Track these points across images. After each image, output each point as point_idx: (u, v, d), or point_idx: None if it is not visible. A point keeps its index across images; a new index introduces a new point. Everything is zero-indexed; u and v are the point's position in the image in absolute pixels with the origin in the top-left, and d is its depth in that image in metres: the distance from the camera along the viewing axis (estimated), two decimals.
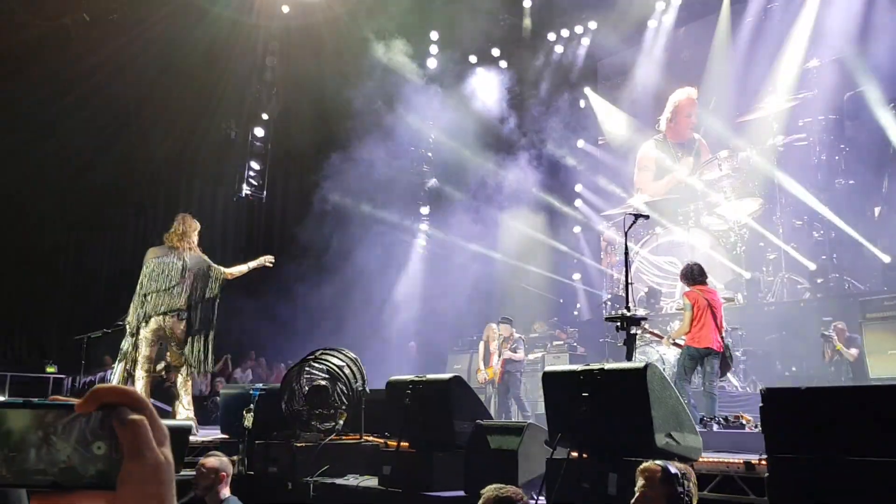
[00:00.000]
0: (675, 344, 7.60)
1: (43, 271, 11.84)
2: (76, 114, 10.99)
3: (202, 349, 6.93)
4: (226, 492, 4.53)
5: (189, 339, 6.87)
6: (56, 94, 10.76)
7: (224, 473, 4.46)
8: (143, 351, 6.78)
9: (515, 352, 9.75)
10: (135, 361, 6.83)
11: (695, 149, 13.68)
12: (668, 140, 14.17)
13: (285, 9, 13.03)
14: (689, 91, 13.77)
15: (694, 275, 7.16)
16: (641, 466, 2.84)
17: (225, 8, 12.00)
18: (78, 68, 10.82)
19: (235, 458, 4.71)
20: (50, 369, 10.29)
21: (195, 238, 7.21)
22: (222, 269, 7.28)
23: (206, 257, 7.24)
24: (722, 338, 6.95)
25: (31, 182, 10.86)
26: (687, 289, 7.21)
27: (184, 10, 11.56)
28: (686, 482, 2.74)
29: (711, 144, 13.31)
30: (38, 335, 11.51)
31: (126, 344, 6.94)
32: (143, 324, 6.78)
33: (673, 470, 2.75)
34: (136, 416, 0.69)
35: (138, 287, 6.89)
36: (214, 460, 4.49)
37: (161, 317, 6.72)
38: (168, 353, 6.97)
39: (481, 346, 10.50)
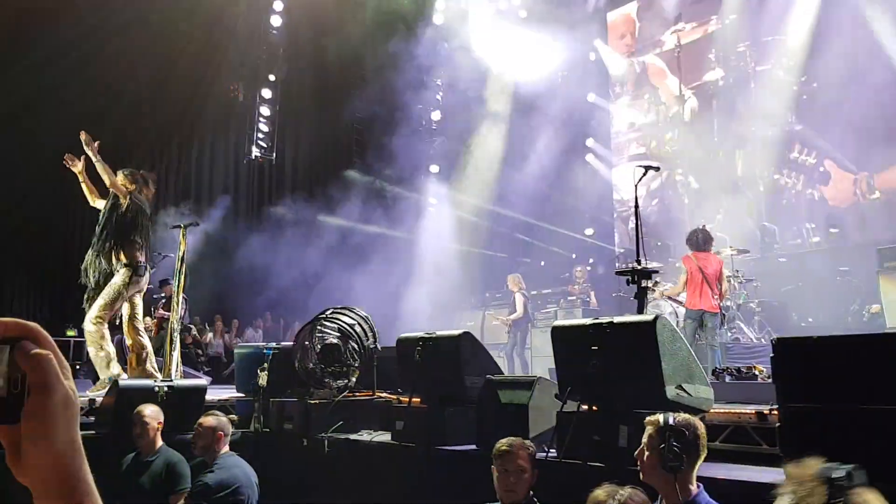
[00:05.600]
0: (671, 299, 8.44)
1: (60, 235, 11.87)
2: (73, 79, 10.89)
3: None
4: (225, 450, 4.54)
5: None
6: (53, 57, 10.62)
7: (221, 433, 4.46)
8: None
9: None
10: None
11: None
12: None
13: None
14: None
15: (697, 242, 7.62)
16: (647, 418, 2.84)
17: None
18: (78, 30, 10.68)
19: (234, 416, 4.73)
20: (70, 332, 10.38)
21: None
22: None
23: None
24: (717, 298, 7.39)
25: (27, 147, 10.71)
26: (689, 253, 7.69)
27: None
28: (688, 433, 2.71)
29: None
30: (59, 298, 11.59)
31: None
32: None
33: (672, 421, 2.73)
34: (42, 351, 0.70)
35: None
36: (212, 419, 4.50)
37: None
38: None
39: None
